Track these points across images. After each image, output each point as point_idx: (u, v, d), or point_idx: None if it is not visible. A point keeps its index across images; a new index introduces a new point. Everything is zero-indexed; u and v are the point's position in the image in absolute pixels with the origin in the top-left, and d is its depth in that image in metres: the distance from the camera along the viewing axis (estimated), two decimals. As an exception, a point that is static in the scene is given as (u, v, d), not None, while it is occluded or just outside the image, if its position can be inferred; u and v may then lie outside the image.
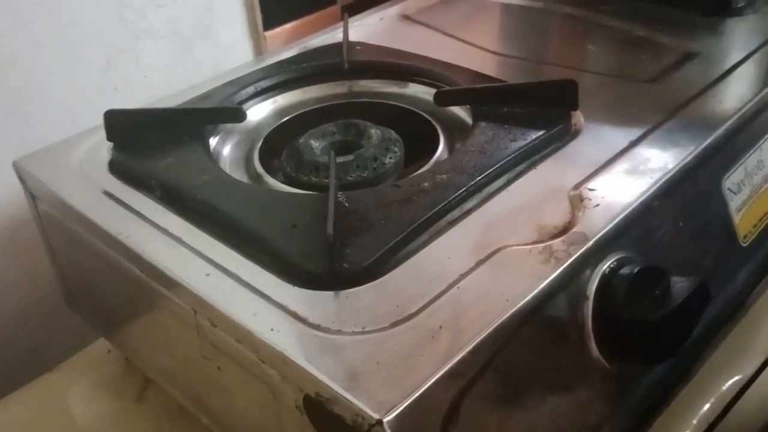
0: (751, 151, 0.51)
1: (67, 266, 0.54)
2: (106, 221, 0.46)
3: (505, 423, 0.37)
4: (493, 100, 0.51)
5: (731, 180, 0.49)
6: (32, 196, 0.52)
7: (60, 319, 0.67)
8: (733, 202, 0.49)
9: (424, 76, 0.57)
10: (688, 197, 0.46)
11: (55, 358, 0.61)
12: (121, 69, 0.65)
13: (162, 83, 0.67)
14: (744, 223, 0.49)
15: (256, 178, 0.51)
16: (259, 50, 0.73)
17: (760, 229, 0.51)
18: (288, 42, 0.74)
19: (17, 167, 0.52)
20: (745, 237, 0.50)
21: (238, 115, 0.53)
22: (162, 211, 0.46)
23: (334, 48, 0.62)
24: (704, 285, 0.40)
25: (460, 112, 0.54)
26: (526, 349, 0.37)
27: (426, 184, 0.44)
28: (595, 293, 0.40)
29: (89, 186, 0.49)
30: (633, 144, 0.48)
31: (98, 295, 0.53)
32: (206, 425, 0.47)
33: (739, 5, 0.65)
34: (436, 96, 0.53)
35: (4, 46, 0.57)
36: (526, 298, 0.37)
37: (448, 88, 0.53)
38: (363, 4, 0.77)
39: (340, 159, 0.49)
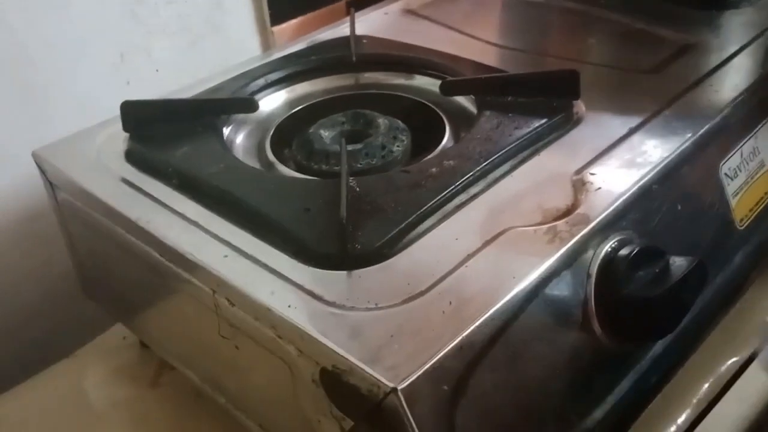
0: (747, 137, 0.52)
1: (84, 254, 0.56)
2: (125, 208, 0.47)
3: (511, 395, 0.39)
4: (497, 90, 0.52)
5: (727, 165, 0.51)
6: (51, 185, 0.53)
7: (73, 310, 0.68)
8: (730, 187, 0.51)
9: (430, 67, 0.58)
10: (685, 182, 0.48)
11: (67, 349, 0.63)
12: (134, 64, 0.66)
13: (173, 78, 0.69)
14: (740, 207, 0.51)
15: (268, 166, 0.52)
16: (266, 45, 0.75)
17: (756, 213, 0.53)
18: (295, 36, 0.76)
19: (37, 157, 0.53)
20: (741, 221, 0.51)
21: (251, 106, 0.54)
22: (179, 197, 0.47)
23: (342, 41, 0.64)
24: (701, 263, 0.41)
25: (465, 102, 0.56)
26: (531, 325, 0.39)
27: (434, 169, 0.46)
28: (597, 272, 0.41)
29: (107, 174, 0.51)
30: (632, 131, 0.49)
31: (116, 282, 0.54)
32: (223, 405, 0.49)
33: (734, -4, 0.66)
34: (441, 86, 0.54)
35: (19, 43, 0.59)
36: (532, 276, 0.39)
37: (453, 78, 0.55)
38: (367, 0, 0.79)
39: (349, 147, 0.51)
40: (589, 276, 0.41)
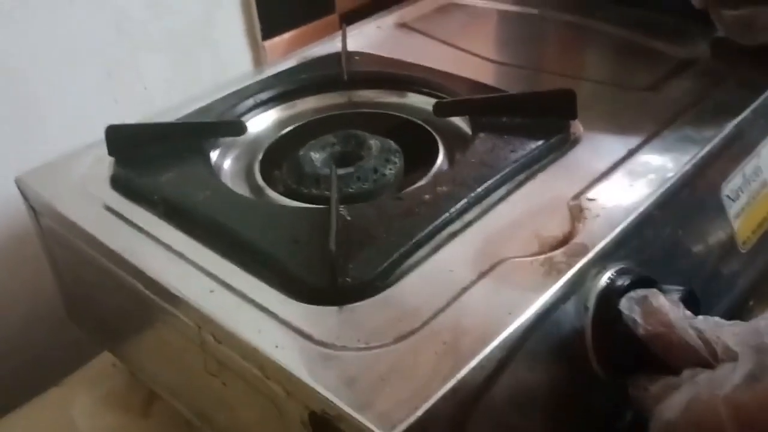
0: (749, 157, 0.51)
1: (69, 281, 0.54)
2: (108, 237, 0.46)
3: (510, 436, 0.37)
4: (492, 111, 0.51)
5: (729, 187, 0.49)
6: (34, 211, 0.52)
7: (62, 333, 0.67)
8: (732, 209, 0.49)
9: (423, 85, 0.57)
10: (687, 205, 0.46)
11: (57, 372, 0.61)
12: (121, 81, 0.65)
13: (162, 95, 0.68)
14: (743, 229, 0.50)
15: (257, 190, 0.51)
16: (258, 60, 0.74)
17: (758, 234, 0.51)
18: (287, 51, 0.75)
19: (19, 182, 0.52)
20: (744, 243, 0.50)
21: (239, 129, 0.53)
22: (165, 226, 0.46)
23: (333, 58, 0.62)
24: (691, 292, 0.40)
25: (459, 121, 0.55)
26: (528, 363, 0.38)
27: (427, 196, 0.45)
28: (594, 304, 0.40)
29: (91, 201, 0.49)
30: (632, 153, 0.48)
31: (101, 310, 0.53)
32: (212, 439, 0.48)
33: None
34: (435, 107, 0.53)
35: (8, 58, 0.58)
36: (529, 311, 0.37)
37: (447, 99, 0.53)
38: (361, 13, 0.77)
39: (340, 171, 0.50)
40: (586, 309, 0.40)
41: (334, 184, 0.45)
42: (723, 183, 0.49)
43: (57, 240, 0.51)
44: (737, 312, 0.51)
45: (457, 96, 0.54)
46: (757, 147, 0.52)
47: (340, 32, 0.68)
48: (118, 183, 0.50)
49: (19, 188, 0.52)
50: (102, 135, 0.61)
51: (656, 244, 0.44)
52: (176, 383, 0.49)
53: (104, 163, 0.53)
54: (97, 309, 0.53)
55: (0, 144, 0.60)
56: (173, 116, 0.57)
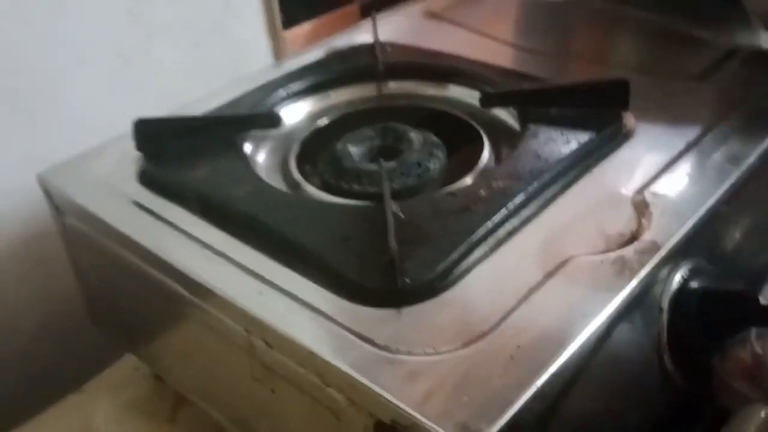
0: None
1: (94, 282, 0.51)
2: (143, 236, 0.43)
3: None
4: (542, 102, 0.49)
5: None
6: (58, 210, 0.49)
7: (75, 337, 0.64)
8: (793, 203, 0.47)
9: (463, 76, 0.55)
10: (756, 198, 0.44)
11: (73, 379, 0.59)
12: (135, 69, 0.62)
13: (178, 83, 0.65)
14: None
15: (294, 185, 0.48)
16: (277, 49, 0.71)
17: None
18: (307, 40, 0.72)
19: (42, 180, 0.49)
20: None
21: (275, 121, 0.50)
22: (201, 224, 0.43)
23: (365, 48, 0.60)
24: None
25: (503, 113, 0.52)
26: (604, 367, 0.35)
27: (482, 191, 0.42)
28: (669, 305, 0.38)
29: (120, 198, 0.47)
30: (691, 146, 0.46)
31: (128, 312, 0.50)
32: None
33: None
34: (482, 98, 0.51)
35: (13, 49, 0.55)
36: (604, 313, 0.35)
37: (493, 90, 0.51)
38: (380, 2, 0.75)
39: (370, 165, 0.47)
40: (660, 310, 0.38)
41: (386, 180, 0.42)
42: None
43: (82, 239, 0.48)
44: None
45: (499, 87, 0.52)
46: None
47: (360, 23, 0.66)
48: (147, 179, 0.48)
49: (41, 186, 0.49)
50: (118, 125, 0.59)
51: (725, 239, 0.42)
52: (212, 388, 0.47)
53: (130, 158, 0.50)
54: (124, 312, 0.51)
55: (9, 139, 0.57)
56: (199, 109, 0.54)
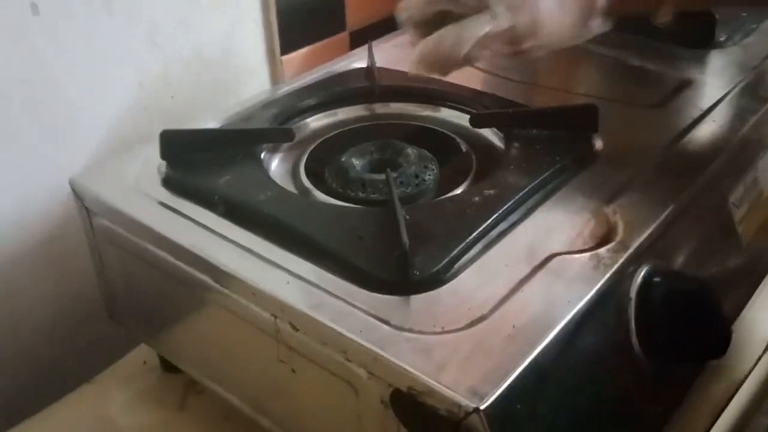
0: (749, 168, 0.57)
1: (118, 280, 0.56)
2: (175, 234, 0.48)
3: (570, 414, 0.42)
4: (523, 124, 0.56)
5: (734, 196, 0.55)
6: (88, 211, 0.54)
7: (86, 334, 0.68)
8: (737, 216, 0.55)
9: (452, 100, 0.61)
10: (700, 213, 0.52)
11: (82, 373, 0.63)
12: (151, 91, 0.67)
13: (187, 104, 0.70)
14: (746, 233, 0.56)
15: (304, 191, 0.54)
16: (275, 73, 0.77)
17: (759, 237, 0.57)
18: (302, 65, 0.78)
19: (73, 183, 0.54)
20: (747, 245, 0.56)
21: (289, 135, 0.56)
22: (227, 225, 0.49)
23: (361, 72, 0.66)
24: (704, 285, 0.45)
25: (488, 133, 0.59)
26: (585, 346, 0.42)
27: (476, 198, 0.49)
28: (636, 295, 0.45)
29: (149, 201, 0.52)
30: (650, 165, 0.53)
31: (151, 306, 0.55)
32: (268, 427, 0.50)
33: (720, 39, 0.72)
34: (472, 119, 0.57)
35: (40, 65, 0.59)
36: (584, 300, 0.42)
37: (482, 111, 0.58)
38: (369, 32, 0.82)
39: (378, 175, 0.53)
40: (629, 299, 0.45)
41: (394, 186, 0.48)
42: (729, 192, 0.55)
43: (111, 239, 0.53)
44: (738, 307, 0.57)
45: (484, 110, 0.59)
46: (755, 160, 0.58)
47: (357, 51, 0.73)
48: (172, 183, 0.53)
49: (72, 189, 0.54)
50: (134, 139, 0.64)
51: (679, 245, 0.49)
52: (230, 371, 0.51)
53: (154, 165, 0.55)
54: (146, 305, 0.55)
55: (32, 148, 0.61)
56: (210, 125, 0.60)
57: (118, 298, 0.57)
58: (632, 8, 0.52)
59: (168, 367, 0.61)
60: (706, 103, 0.61)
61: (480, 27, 0.48)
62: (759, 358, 0.56)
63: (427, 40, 0.50)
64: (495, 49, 0.49)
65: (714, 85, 0.65)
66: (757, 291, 0.57)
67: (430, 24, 0.51)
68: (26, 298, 0.64)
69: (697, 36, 0.71)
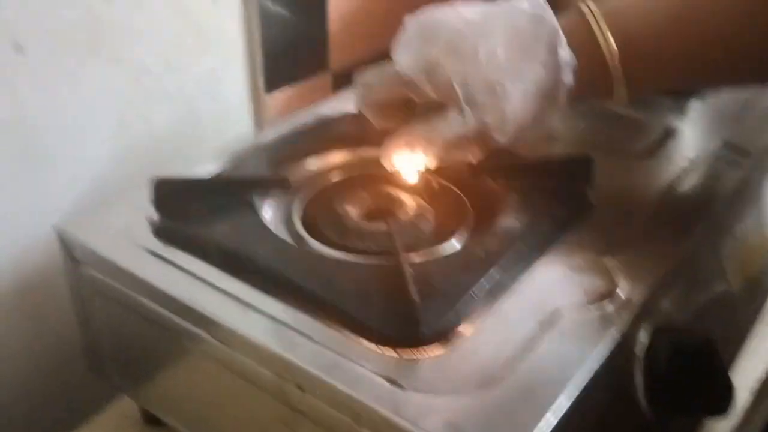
0: (740, 218, 0.58)
1: (102, 332, 0.54)
2: (170, 286, 0.46)
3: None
4: (520, 174, 0.56)
5: (725, 246, 0.56)
6: (73, 260, 0.51)
7: (62, 387, 0.66)
8: (728, 266, 0.56)
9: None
10: (698, 264, 0.52)
11: (58, 430, 0.60)
12: (132, 130, 0.65)
13: (169, 143, 0.68)
14: (734, 283, 0.57)
15: (299, 239, 0.53)
16: (258, 112, 0.76)
17: (749, 283, 0.58)
18: (284, 103, 0.77)
19: (59, 230, 0.51)
20: (737, 296, 0.57)
21: (286, 184, 0.55)
22: (225, 277, 0.47)
23: (351, 116, 0.65)
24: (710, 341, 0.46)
25: (485, 181, 0.59)
26: (593, 403, 0.42)
27: (478, 251, 0.48)
28: (640, 351, 0.45)
29: (138, 249, 0.49)
30: (645, 217, 0.54)
31: (140, 360, 0.53)
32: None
33: (699, 88, 0.73)
34: (469, 169, 0.57)
35: (21, 106, 0.57)
36: (592, 359, 0.41)
37: (480, 162, 0.57)
38: (351, 72, 0.81)
39: (377, 225, 0.53)
40: (635, 355, 0.45)
41: (398, 240, 0.48)
42: (721, 243, 0.56)
43: (100, 290, 0.51)
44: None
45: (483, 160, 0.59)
46: (744, 210, 0.59)
47: (339, 92, 0.72)
48: (164, 232, 0.51)
49: (59, 237, 0.51)
50: (115, 180, 0.62)
51: (680, 297, 0.50)
52: (220, 428, 0.50)
53: (143, 213, 0.53)
54: (134, 358, 0.53)
55: (11, 193, 0.59)
56: (201, 170, 0.58)
57: (100, 349, 0.55)
58: (590, 98, 0.53)
59: (150, 420, 0.58)
60: (692, 153, 0.62)
61: (448, 128, 0.49)
62: (749, 408, 0.57)
63: (398, 141, 0.52)
64: (463, 147, 0.51)
65: (698, 134, 0.66)
66: (746, 341, 0.58)
67: (387, 107, 0.53)
68: (0, 348, 0.61)
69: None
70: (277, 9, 0.73)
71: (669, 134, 0.66)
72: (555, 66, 0.48)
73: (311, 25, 0.78)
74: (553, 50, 0.48)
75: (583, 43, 0.49)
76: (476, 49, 0.48)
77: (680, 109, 0.71)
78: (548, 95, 0.49)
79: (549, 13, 0.49)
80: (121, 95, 0.64)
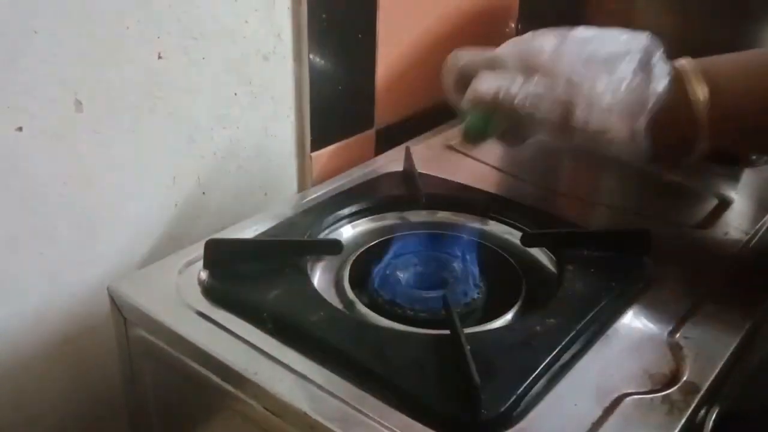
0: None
1: (148, 392, 0.53)
2: (222, 352, 0.46)
3: None
4: (575, 244, 0.55)
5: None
6: (125, 321, 0.51)
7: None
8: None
9: (499, 213, 0.60)
10: (764, 341, 0.51)
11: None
12: (184, 186, 0.65)
13: (217, 200, 0.68)
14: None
15: (349, 305, 0.52)
16: (303, 169, 0.76)
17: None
18: (330, 161, 0.77)
19: (112, 291, 0.51)
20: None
21: (337, 248, 0.54)
22: (276, 344, 0.46)
23: (399, 176, 0.65)
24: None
25: (536, 252, 0.58)
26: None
27: (538, 327, 0.47)
28: (709, 439, 0.43)
29: (191, 312, 0.49)
30: (708, 291, 0.52)
31: (184, 421, 0.52)
32: None
33: (752, 157, 0.72)
34: (523, 237, 0.56)
35: (79, 163, 0.57)
36: (662, 449, 0.40)
37: (534, 231, 0.57)
38: (394, 130, 0.82)
39: (432, 293, 0.52)
40: (702, 443, 0.43)
41: (456, 315, 0.46)
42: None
43: (149, 350, 0.50)
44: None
45: (535, 227, 0.58)
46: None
47: (386, 152, 0.72)
48: (215, 295, 0.51)
49: (110, 297, 0.51)
50: (164, 236, 0.62)
51: (749, 377, 0.48)
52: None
53: (194, 273, 0.53)
54: (178, 419, 0.52)
55: (61, 245, 0.59)
56: (250, 230, 0.58)
57: (144, 409, 0.54)
58: (667, 151, 0.52)
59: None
60: (749, 226, 0.61)
61: (533, 87, 0.50)
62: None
63: (484, 78, 0.52)
64: (543, 110, 0.50)
65: (753, 205, 0.65)
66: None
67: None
68: (39, 398, 0.60)
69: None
70: (327, 65, 0.73)
71: (723, 206, 0.64)
72: (647, 73, 0.49)
73: (360, 81, 0.78)
74: (647, 59, 0.49)
75: (675, 90, 0.49)
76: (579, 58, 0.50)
77: (733, 178, 0.70)
78: (638, 100, 0.49)
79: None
80: (176, 152, 0.64)
